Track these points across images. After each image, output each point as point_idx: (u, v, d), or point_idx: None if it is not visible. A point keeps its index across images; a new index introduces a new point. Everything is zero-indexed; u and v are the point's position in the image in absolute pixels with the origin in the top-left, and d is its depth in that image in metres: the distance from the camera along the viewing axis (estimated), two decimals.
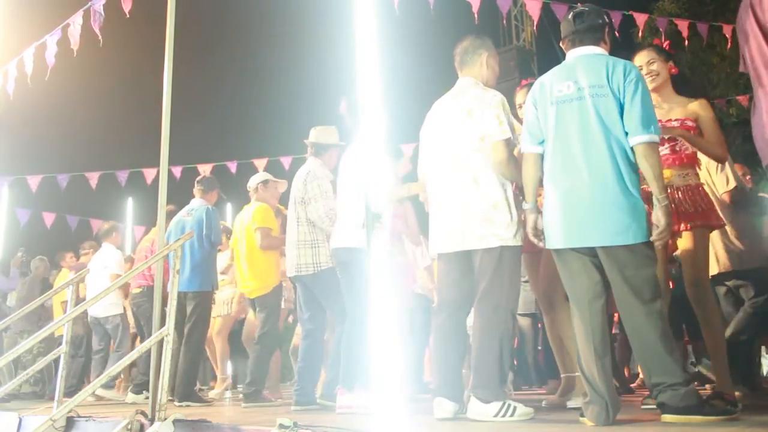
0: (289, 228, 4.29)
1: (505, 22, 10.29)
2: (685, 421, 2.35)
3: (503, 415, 2.75)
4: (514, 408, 2.78)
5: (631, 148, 2.53)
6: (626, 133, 2.53)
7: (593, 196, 2.53)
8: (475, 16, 5.91)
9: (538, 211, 2.78)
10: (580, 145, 2.58)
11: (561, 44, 2.83)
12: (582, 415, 2.58)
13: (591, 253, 2.60)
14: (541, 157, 2.76)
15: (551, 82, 2.72)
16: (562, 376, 3.54)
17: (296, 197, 4.23)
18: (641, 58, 3.26)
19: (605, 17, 2.77)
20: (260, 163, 8.74)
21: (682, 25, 6.79)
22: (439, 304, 3.09)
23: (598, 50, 2.72)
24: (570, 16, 2.77)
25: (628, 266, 2.50)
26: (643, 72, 3.21)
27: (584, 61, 2.68)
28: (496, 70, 3.24)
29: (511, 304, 2.92)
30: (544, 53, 11.18)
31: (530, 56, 10.96)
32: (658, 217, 2.50)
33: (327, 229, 4.07)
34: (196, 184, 5.51)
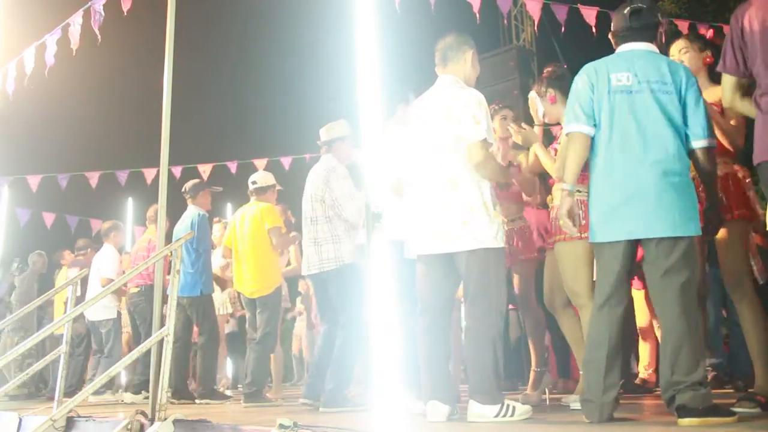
0: (306, 226, 4.19)
1: (505, 22, 10.26)
2: (704, 423, 2.30)
3: (503, 416, 2.76)
4: (513, 408, 2.80)
5: (687, 150, 2.58)
6: (686, 135, 2.58)
7: (660, 188, 2.50)
8: (476, 15, 5.90)
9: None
10: (643, 137, 2.54)
11: (610, 37, 2.81)
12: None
13: (633, 248, 2.58)
14: (591, 139, 2.66)
15: (607, 70, 2.65)
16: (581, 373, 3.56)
17: (315, 195, 4.13)
18: (675, 47, 3.30)
19: (659, 16, 2.77)
20: (260, 163, 8.72)
21: (682, 25, 6.78)
22: (423, 308, 3.04)
23: (653, 48, 2.71)
24: (626, 12, 2.72)
25: (681, 260, 2.49)
26: (679, 57, 3.24)
27: (642, 56, 2.66)
28: (478, 68, 3.21)
29: (501, 306, 2.92)
30: (544, 53, 11.15)
31: (530, 56, 10.91)
32: (711, 216, 2.60)
33: (357, 224, 4.03)
34: (183, 195, 5.51)
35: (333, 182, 4.08)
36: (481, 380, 2.82)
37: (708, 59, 3.26)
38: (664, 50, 3.43)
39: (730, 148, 3.11)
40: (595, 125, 2.64)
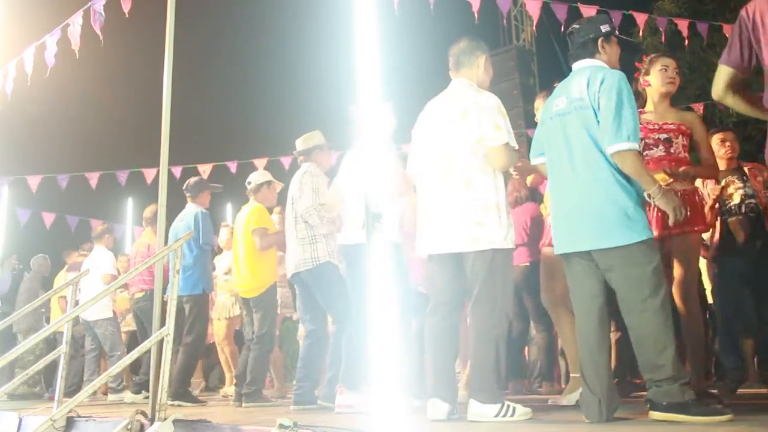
0: (288, 229, 4.32)
1: (505, 22, 10.25)
2: (668, 419, 2.44)
3: (503, 416, 2.77)
4: (514, 409, 2.81)
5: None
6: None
7: (580, 204, 2.66)
8: (476, 15, 5.90)
9: None
10: (567, 158, 2.72)
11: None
12: None
13: (588, 256, 2.69)
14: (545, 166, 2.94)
15: (553, 97, 2.87)
16: (571, 376, 3.57)
17: (293, 196, 4.26)
18: (674, 61, 3.38)
19: (600, 28, 2.82)
20: (260, 162, 8.73)
21: (682, 25, 6.79)
22: (433, 306, 3.08)
23: (590, 62, 2.80)
24: (567, 35, 2.90)
25: (621, 266, 2.59)
26: (668, 73, 3.31)
27: (575, 75, 2.82)
28: (491, 72, 3.26)
29: (506, 307, 2.94)
30: (544, 53, 11.15)
31: (530, 56, 10.90)
32: (662, 207, 2.60)
33: (314, 223, 4.07)
34: (184, 192, 5.51)
35: (304, 181, 4.19)
36: (482, 379, 2.83)
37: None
38: (663, 48, 3.47)
39: (709, 178, 3.37)
40: (542, 154, 2.91)
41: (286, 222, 4.37)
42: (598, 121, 2.61)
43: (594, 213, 2.62)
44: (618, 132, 2.54)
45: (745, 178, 4.12)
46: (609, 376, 2.64)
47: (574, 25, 2.89)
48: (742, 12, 2.55)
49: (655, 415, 2.49)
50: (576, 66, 2.85)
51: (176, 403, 4.82)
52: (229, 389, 6.24)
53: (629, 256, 2.57)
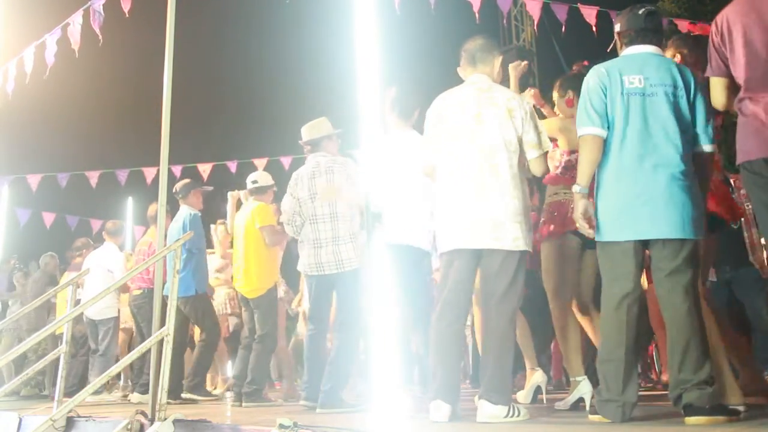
0: (319, 223, 4.06)
1: (505, 22, 10.28)
2: (712, 422, 2.33)
3: (511, 417, 2.78)
4: (519, 410, 2.82)
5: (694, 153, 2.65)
6: (692, 137, 2.63)
7: (670, 190, 2.53)
8: (476, 15, 5.90)
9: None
10: (655, 140, 2.57)
11: (618, 35, 2.82)
12: (592, 413, 2.63)
13: (642, 247, 2.61)
14: (604, 141, 2.65)
15: (619, 72, 2.66)
16: (572, 378, 3.51)
17: (321, 191, 4.04)
18: (675, 49, 3.33)
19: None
20: (260, 162, 8.73)
21: (682, 25, 6.79)
22: (442, 305, 3.00)
23: (659, 51, 2.75)
24: (640, 12, 2.74)
25: (686, 261, 2.54)
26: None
27: (653, 59, 2.68)
28: (502, 75, 3.24)
29: (519, 306, 2.98)
30: (544, 53, 11.17)
31: (530, 56, 10.93)
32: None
33: (355, 221, 4.00)
34: (175, 196, 5.47)
35: (337, 173, 4.02)
36: (499, 380, 2.83)
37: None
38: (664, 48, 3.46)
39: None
40: (608, 126, 2.63)
41: (317, 215, 4.08)
42: (693, 115, 2.62)
43: (684, 200, 2.53)
44: (712, 135, 2.65)
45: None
46: (635, 375, 2.57)
47: (651, 8, 2.77)
48: (713, 24, 2.62)
49: (694, 420, 2.35)
50: (644, 48, 2.70)
51: (188, 396, 4.85)
52: (218, 392, 6.24)
53: (694, 252, 2.56)
